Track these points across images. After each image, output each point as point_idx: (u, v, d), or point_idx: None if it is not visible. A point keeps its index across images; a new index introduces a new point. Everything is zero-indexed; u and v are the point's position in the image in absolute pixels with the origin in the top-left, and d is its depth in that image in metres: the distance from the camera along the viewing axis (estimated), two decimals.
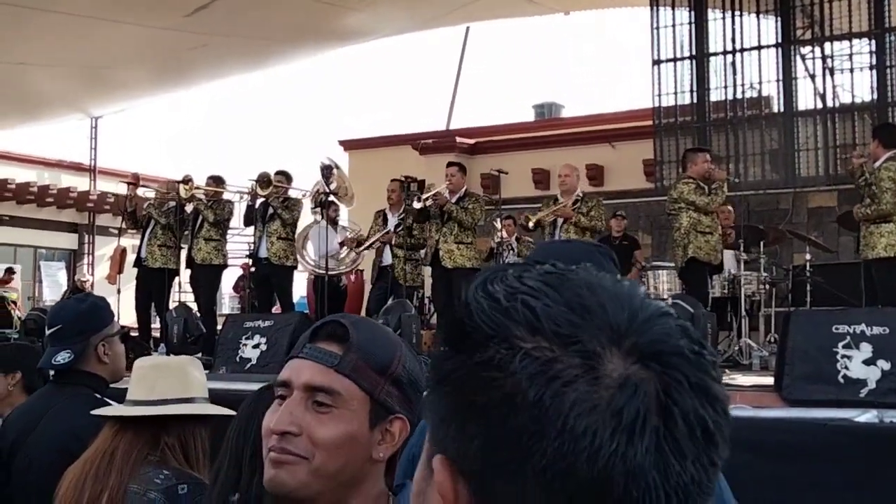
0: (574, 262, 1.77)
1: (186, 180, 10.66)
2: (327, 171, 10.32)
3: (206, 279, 10.69)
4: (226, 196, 10.97)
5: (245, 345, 8.49)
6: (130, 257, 11.90)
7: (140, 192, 11.63)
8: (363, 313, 10.85)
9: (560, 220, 9.28)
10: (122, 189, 12.10)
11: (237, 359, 8.47)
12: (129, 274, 11.73)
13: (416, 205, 9.83)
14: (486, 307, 0.68)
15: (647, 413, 0.64)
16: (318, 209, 11.08)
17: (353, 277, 12.25)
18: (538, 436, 0.64)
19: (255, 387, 2.22)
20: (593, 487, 0.63)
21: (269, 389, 2.17)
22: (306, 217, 11.39)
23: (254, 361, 8.37)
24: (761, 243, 10.00)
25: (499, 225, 11.17)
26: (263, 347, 8.39)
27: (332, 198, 10.59)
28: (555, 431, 0.63)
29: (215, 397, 2.72)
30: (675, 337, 0.67)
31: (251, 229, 11.00)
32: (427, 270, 10.54)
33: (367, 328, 1.55)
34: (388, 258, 10.63)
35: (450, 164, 10.21)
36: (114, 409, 2.62)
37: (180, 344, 9.73)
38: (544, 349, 0.65)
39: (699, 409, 0.65)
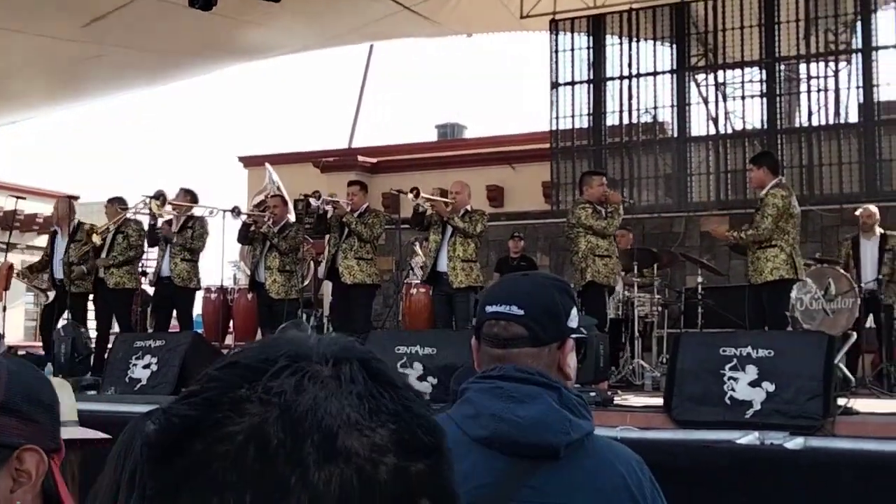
0: (532, 296, 1.79)
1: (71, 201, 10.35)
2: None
3: (118, 303, 10.40)
4: (129, 216, 10.66)
5: (135, 365, 8.30)
6: (29, 278, 11.51)
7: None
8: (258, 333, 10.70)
9: (449, 232, 9.31)
10: (10, 203, 11.73)
11: (126, 379, 8.28)
12: (16, 290, 11.38)
13: (314, 202, 9.70)
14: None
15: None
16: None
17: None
18: None
19: (143, 408, 2.17)
20: None
21: (149, 415, 2.13)
22: None
23: (144, 382, 8.19)
24: (655, 266, 10.19)
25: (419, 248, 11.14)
26: (154, 368, 8.21)
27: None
28: None
29: (101, 419, 2.64)
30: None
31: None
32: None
33: None
34: (262, 274, 10.23)
35: (351, 183, 10.18)
36: None
37: (68, 363, 9.46)
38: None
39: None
